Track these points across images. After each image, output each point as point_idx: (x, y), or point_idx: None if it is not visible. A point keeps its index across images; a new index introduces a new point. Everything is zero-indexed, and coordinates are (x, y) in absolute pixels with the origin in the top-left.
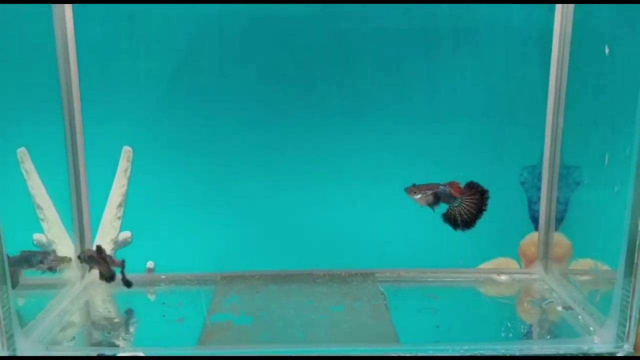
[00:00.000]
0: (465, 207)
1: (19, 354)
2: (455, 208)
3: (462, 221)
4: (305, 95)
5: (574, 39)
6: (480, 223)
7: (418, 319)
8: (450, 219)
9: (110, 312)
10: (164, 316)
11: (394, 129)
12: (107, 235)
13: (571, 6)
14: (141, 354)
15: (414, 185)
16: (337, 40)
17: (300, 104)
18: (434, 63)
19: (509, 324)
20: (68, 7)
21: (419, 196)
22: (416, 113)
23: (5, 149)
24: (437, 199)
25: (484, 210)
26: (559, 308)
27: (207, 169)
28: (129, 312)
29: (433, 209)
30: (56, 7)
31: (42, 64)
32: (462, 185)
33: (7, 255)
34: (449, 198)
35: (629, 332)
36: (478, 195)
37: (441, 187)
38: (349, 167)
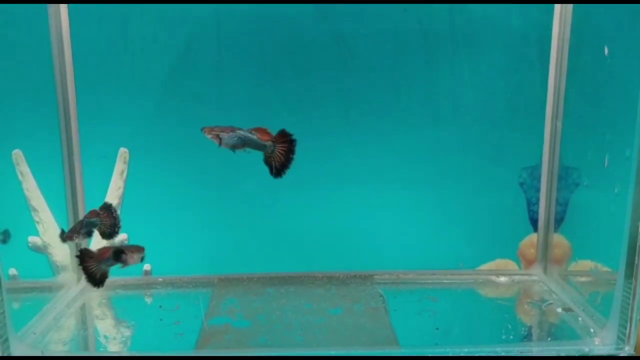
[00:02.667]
0: (277, 154)
1: None
2: (270, 154)
3: (275, 167)
4: (303, 97)
5: (572, 40)
6: (478, 224)
7: (417, 321)
8: (268, 165)
9: (106, 315)
10: (161, 319)
11: (393, 130)
12: None
13: (569, 8)
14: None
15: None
16: (336, 42)
17: (298, 106)
18: (433, 65)
19: (509, 326)
20: (63, 7)
21: (209, 136)
22: (415, 115)
23: (0, 151)
24: (229, 142)
25: (292, 157)
26: (559, 310)
27: (204, 170)
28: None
29: (234, 151)
30: (51, 7)
31: (37, 65)
32: (273, 132)
33: None
34: (257, 143)
35: (629, 333)
36: (287, 144)
37: (239, 131)
38: (347, 168)
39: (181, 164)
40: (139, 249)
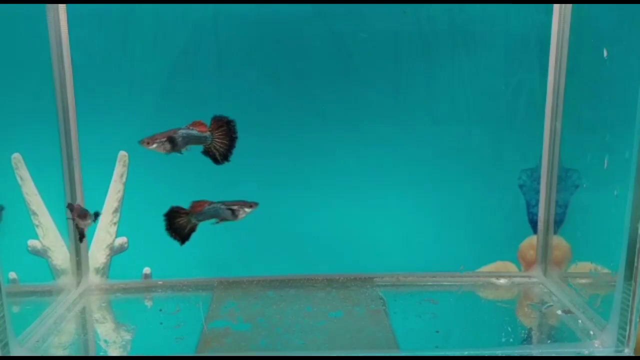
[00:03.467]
0: (218, 141)
1: None
2: (209, 145)
3: (219, 154)
4: (303, 99)
5: (571, 42)
6: (478, 227)
7: (418, 324)
8: (210, 156)
9: (106, 319)
10: (161, 323)
11: (392, 132)
12: (103, 241)
13: (569, 9)
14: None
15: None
16: (335, 43)
17: (298, 107)
18: (432, 67)
19: (509, 329)
20: (62, 9)
21: (154, 146)
22: (414, 117)
23: None
24: (180, 143)
25: (236, 137)
26: (559, 312)
27: (204, 173)
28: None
29: (181, 152)
30: (50, 9)
31: (35, 67)
32: (208, 121)
33: None
34: (197, 138)
35: (629, 336)
36: (225, 127)
37: (180, 131)
38: (347, 171)
39: (181, 166)
40: (251, 204)
